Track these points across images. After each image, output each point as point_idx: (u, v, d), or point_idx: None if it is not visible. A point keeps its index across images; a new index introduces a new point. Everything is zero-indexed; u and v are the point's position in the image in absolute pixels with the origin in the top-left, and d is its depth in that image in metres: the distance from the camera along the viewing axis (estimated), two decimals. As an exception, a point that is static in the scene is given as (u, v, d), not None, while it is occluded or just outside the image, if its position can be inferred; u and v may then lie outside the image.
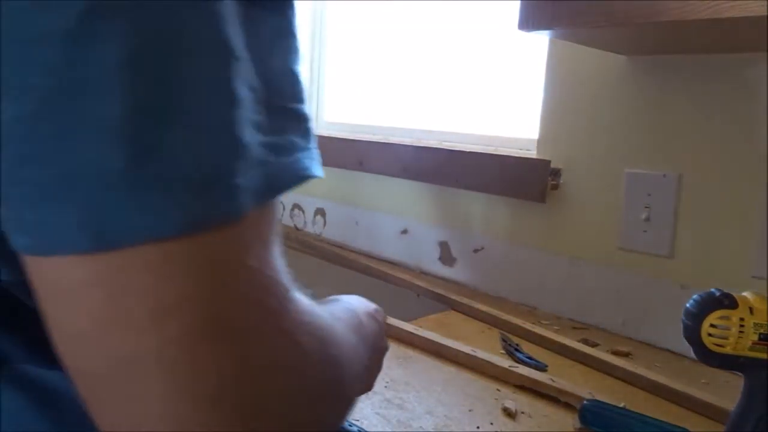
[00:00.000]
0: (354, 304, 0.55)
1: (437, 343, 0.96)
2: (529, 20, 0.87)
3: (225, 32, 0.29)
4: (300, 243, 1.65)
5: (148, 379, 0.27)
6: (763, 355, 0.59)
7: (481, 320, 1.13)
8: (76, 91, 0.26)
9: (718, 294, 0.60)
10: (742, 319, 0.59)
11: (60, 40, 0.26)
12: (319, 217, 1.70)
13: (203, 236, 0.28)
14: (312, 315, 0.34)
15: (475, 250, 1.32)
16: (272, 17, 0.32)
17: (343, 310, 0.49)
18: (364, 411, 0.76)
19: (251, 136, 0.30)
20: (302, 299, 0.34)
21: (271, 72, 0.32)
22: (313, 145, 0.35)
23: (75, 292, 0.27)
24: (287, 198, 1.78)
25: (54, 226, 0.27)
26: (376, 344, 0.55)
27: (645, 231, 1.06)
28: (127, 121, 0.26)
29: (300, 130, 0.33)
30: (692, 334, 0.60)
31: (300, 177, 0.32)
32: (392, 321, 1.00)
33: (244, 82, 0.30)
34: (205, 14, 0.28)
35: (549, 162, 1.16)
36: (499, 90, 1.37)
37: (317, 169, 0.34)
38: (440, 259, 1.39)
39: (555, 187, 1.17)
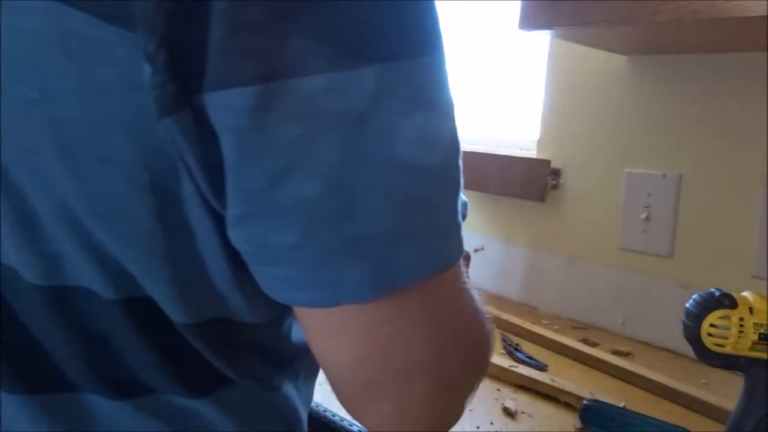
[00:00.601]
0: None
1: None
2: (530, 20, 0.87)
3: (448, 86, 0.34)
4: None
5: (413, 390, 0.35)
6: (763, 355, 0.59)
7: (481, 320, 1.13)
8: (363, 162, 0.30)
9: (718, 294, 0.60)
10: (742, 319, 0.59)
11: (355, 118, 0.30)
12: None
13: (445, 273, 0.35)
14: (483, 311, 0.41)
15: (475, 250, 1.32)
16: None
17: None
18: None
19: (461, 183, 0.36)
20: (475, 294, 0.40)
21: None
22: None
23: (346, 334, 0.34)
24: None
25: (341, 281, 0.32)
26: None
27: (645, 231, 1.06)
28: (399, 184, 0.32)
29: None
30: (692, 334, 0.60)
31: (465, 217, 0.39)
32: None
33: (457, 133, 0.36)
34: (441, 71, 0.34)
35: (549, 162, 1.16)
36: (499, 90, 1.37)
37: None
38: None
39: (555, 187, 1.17)
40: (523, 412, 0.78)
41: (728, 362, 0.61)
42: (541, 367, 0.91)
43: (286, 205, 0.31)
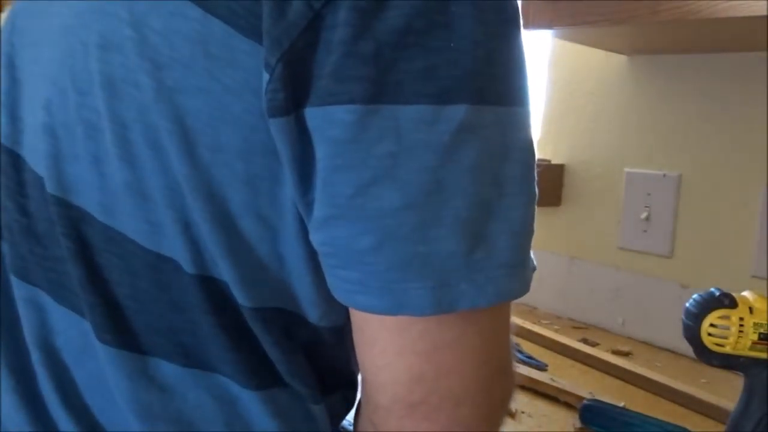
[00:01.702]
0: None
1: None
2: (530, 20, 0.87)
3: (530, 137, 0.38)
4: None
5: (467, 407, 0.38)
6: (763, 355, 0.59)
7: (481, 320, 1.13)
8: (440, 188, 0.34)
9: (718, 294, 0.60)
10: (741, 319, 0.59)
11: (439, 148, 0.34)
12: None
13: (493, 310, 0.37)
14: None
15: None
16: None
17: None
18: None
19: (534, 223, 0.38)
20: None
21: None
22: None
23: (408, 353, 0.36)
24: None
25: (404, 292, 0.35)
26: None
27: (645, 231, 1.06)
28: (470, 216, 0.35)
29: None
30: (692, 334, 0.61)
31: (534, 266, 0.40)
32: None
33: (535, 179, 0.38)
34: (526, 129, 0.37)
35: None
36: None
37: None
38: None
39: (555, 186, 1.17)
40: (523, 412, 0.78)
41: (728, 362, 0.61)
42: (541, 367, 0.91)
43: (368, 213, 0.34)
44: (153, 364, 0.42)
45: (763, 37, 0.79)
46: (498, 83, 0.36)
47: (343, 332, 0.44)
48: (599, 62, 1.10)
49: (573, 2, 0.82)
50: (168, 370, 0.42)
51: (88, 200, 0.42)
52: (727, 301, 0.60)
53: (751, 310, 0.59)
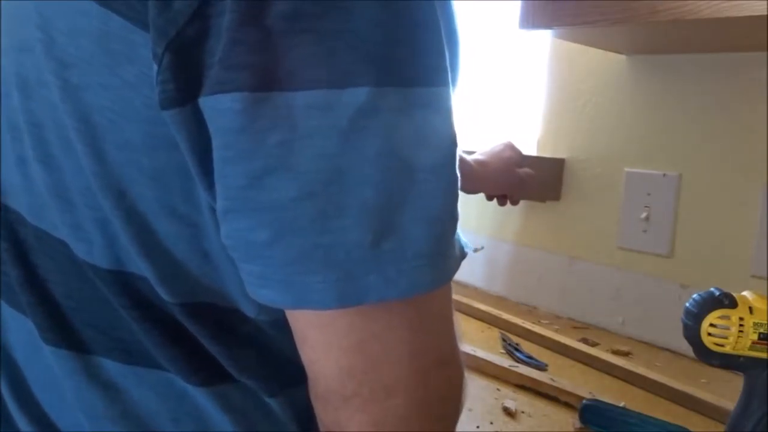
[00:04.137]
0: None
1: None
2: (530, 20, 0.87)
3: (449, 118, 0.36)
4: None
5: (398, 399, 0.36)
6: (763, 355, 0.59)
7: (481, 320, 1.13)
8: (341, 177, 0.32)
9: (718, 294, 0.60)
10: (741, 319, 0.59)
11: (336, 134, 0.32)
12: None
13: (418, 300, 0.35)
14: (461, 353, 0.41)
15: (475, 250, 1.32)
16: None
17: None
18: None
19: (457, 213, 0.37)
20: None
21: None
22: None
23: (334, 347, 0.36)
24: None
25: (306, 285, 0.33)
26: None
27: (645, 231, 1.06)
28: (377, 205, 0.33)
29: None
30: (692, 334, 0.61)
31: (465, 254, 0.38)
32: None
33: (457, 166, 0.36)
34: (442, 112, 0.35)
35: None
36: (499, 90, 1.37)
37: (467, 245, 0.40)
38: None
39: (555, 186, 1.17)
40: (522, 412, 0.78)
41: (728, 362, 0.61)
42: (541, 367, 0.91)
43: (263, 204, 0.33)
44: (95, 362, 0.41)
45: (763, 37, 0.79)
46: (405, 64, 0.33)
47: (287, 326, 0.43)
48: (599, 62, 1.10)
49: (573, 2, 0.82)
50: (111, 367, 0.41)
51: (18, 202, 0.43)
52: (727, 301, 0.60)
53: (751, 309, 0.59)
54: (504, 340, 1.02)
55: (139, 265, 0.39)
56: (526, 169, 1.03)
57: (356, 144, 0.33)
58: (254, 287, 0.36)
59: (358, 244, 0.33)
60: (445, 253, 0.36)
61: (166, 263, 0.39)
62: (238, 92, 0.32)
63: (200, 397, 0.41)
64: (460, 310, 1.18)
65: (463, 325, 1.12)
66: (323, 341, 0.36)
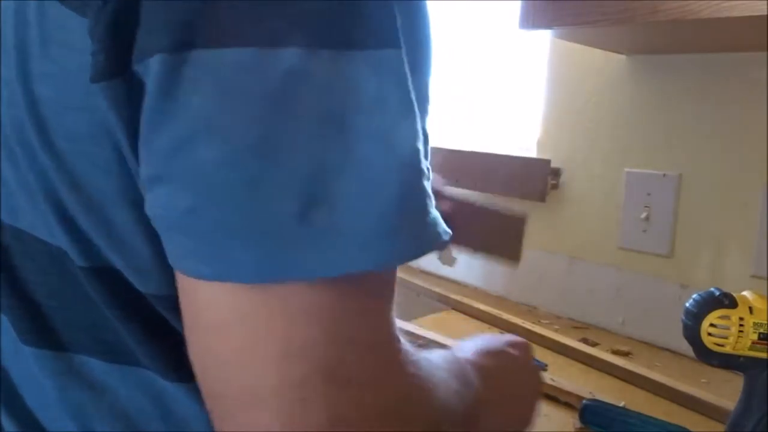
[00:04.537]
0: (470, 347, 0.56)
1: (437, 342, 0.96)
2: (530, 20, 0.87)
3: (403, 82, 0.32)
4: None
5: (265, 411, 0.31)
6: (763, 355, 0.59)
7: (481, 320, 1.13)
8: (270, 142, 0.30)
9: (718, 294, 0.60)
10: (741, 319, 0.59)
11: (266, 96, 0.30)
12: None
13: (350, 283, 0.32)
14: (418, 366, 0.37)
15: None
16: (417, 77, 0.34)
17: (444, 359, 0.47)
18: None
19: (420, 192, 0.33)
20: (410, 349, 0.37)
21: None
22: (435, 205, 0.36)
23: (223, 323, 0.32)
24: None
25: (230, 258, 0.31)
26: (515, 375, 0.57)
27: (645, 231, 1.06)
28: (308, 174, 0.30)
29: (429, 188, 0.35)
30: (692, 334, 0.61)
31: (439, 242, 0.34)
32: (392, 321, 1.00)
33: (417, 137, 0.33)
34: (389, 75, 0.32)
35: (549, 161, 1.16)
36: (499, 90, 1.37)
37: (447, 234, 0.35)
38: (440, 258, 1.39)
39: (555, 186, 1.17)
40: (523, 412, 0.78)
41: (728, 362, 0.61)
42: (541, 367, 0.91)
43: (185, 171, 0.31)
44: (78, 361, 0.40)
45: (763, 37, 0.79)
46: (344, 25, 0.31)
47: None
48: (599, 62, 1.10)
49: (573, 2, 0.82)
50: (95, 366, 0.40)
51: None
52: (727, 301, 0.60)
53: (751, 309, 0.59)
54: (504, 340, 1.02)
55: (110, 259, 0.38)
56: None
57: (287, 108, 0.30)
58: (176, 258, 0.33)
59: (286, 216, 0.30)
60: (391, 233, 0.32)
61: (134, 254, 0.37)
62: (159, 54, 0.30)
63: (179, 394, 0.40)
64: (460, 310, 1.18)
65: (462, 325, 1.12)
66: (196, 318, 0.33)
